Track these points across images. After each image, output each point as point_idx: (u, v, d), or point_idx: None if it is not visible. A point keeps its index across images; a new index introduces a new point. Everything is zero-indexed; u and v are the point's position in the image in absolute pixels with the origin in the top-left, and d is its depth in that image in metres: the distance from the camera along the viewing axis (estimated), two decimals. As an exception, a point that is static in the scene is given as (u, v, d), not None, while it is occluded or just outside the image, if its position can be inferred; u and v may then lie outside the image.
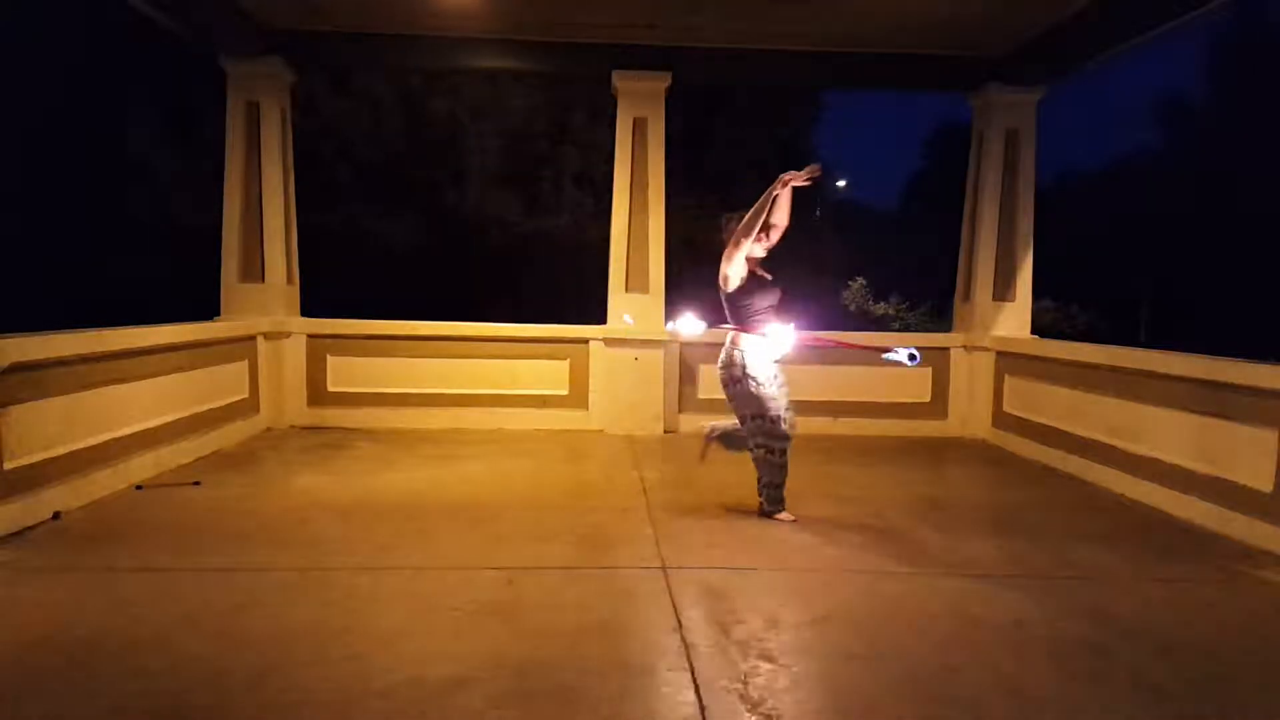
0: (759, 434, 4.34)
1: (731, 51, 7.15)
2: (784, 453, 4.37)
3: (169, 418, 5.51)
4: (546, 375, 7.30)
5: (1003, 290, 7.54)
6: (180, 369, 5.68)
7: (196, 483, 5.09)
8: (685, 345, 7.31)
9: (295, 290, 7.43)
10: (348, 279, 12.89)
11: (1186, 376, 4.92)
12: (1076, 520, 4.86)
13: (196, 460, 5.69)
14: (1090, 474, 5.73)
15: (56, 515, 4.26)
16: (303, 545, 3.97)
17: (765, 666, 2.79)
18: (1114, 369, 5.64)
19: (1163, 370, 5.14)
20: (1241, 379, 4.50)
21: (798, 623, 3.18)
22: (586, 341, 7.30)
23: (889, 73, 7.48)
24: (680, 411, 7.32)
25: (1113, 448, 5.55)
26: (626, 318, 6.77)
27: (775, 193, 4.16)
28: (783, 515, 4.47)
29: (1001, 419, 7.09)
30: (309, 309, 7.53)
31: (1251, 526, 4.33)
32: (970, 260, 7.65)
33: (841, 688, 2.68)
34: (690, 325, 4.70)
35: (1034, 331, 7.67)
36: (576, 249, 15.01)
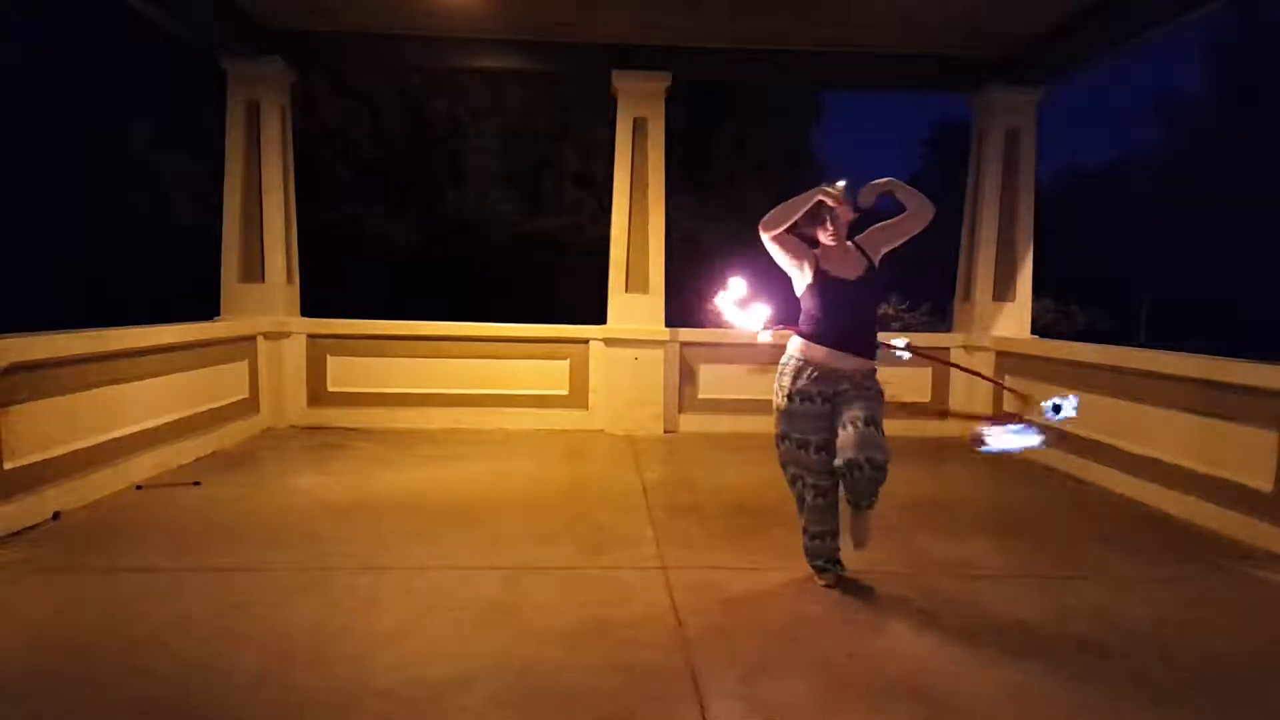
0: (879, 446, 3.34)
1: (731, 51, 7.15)
2: None
3: (169, 418, 5.51)
4: (546, 375, 7.30)
5: (1003, 290, 7.54)
6: (180, 369, 5.67)
7: (196, 483, 5.09)
8: (685, 345, 7.32)
9: (295, 290, 7.43)
10: (348, 279, 12.90)
11: (1186, 376, 4.92)
12: (1076, 520, 4.86)
13: (196, 460, 5.69)
14: (1090, 474, 5.73)
15: (56, 515, 4.26)
16: (302, 545, 3.97)
17: (766, 666, 2.79)
18: (1114, 369, 5.64)
19: (1163, 370, 5.14)
20: (1241, 379, 4.50)
21: (797, 622, 3.18)
22: (586, 341, 7.29)
23: (889, 73, 7.48)
24: (680, 411, 7.32)
25: (1113, 448, 5.55)
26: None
27: (815, 199, 3.38)
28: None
29: (1001, 419, 7.07)
30: (309, 309, 7.53)
31: (1251, 526, 4.33)
32: (970, 260, 7.65)
33: (841, 687, 2.68)
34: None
35: (1034, 331, 7.67)
36: (576, 249, 15.02)
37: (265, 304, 7.13)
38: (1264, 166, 19.93)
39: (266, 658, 2.77)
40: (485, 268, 15.35)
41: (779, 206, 3.40)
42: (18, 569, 3.58)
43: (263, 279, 7.16)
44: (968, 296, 7.69)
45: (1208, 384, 4.75)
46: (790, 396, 3.43)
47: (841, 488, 3.38)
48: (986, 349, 7.33)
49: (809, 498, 3.51)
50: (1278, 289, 18.64)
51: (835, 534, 3.56)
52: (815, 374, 3.39)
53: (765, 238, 3.44)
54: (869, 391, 3.41)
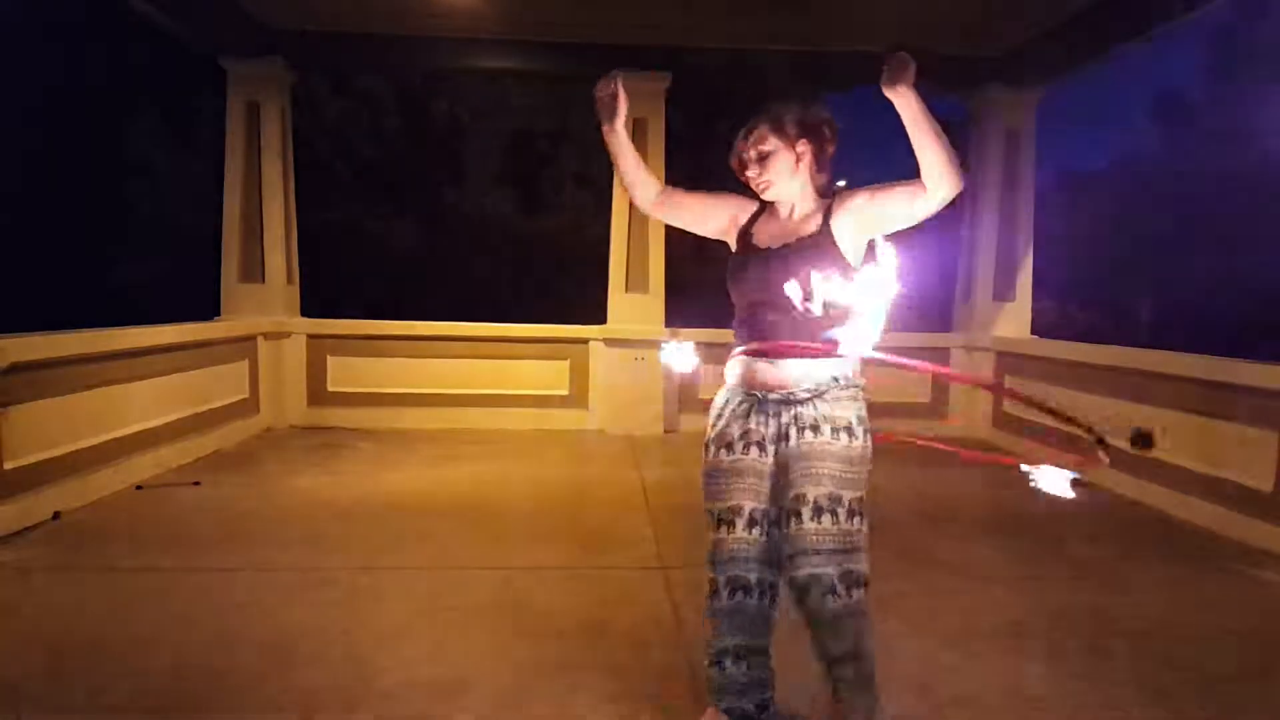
0: (850, 551, 2.06)
1: (731, 51, 7.16)
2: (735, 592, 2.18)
3: (169, 418, 5.51)
4: (546, 375, 7.30)
5: (1003, 290, 7.54)
6: (180, 369, 5.67)
7: (196, 483, 5.08)
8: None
9: (295, 290, 7.43)
10: (348, 279, 12.89)
11: (1186, 376, 4.92)
12: (1076, 520, 4.86)
13: (196, 460, 5.69)
14: (1090, 474, 5.71)
15: (56, 515, 4.25)
16: (303, 545, 3.97)
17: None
18: (1114, 369, 5.64)
19: (1163, 370, 5.14)
20: (1242, 379, 4.50)
21: (797, 623, 3.17)
22: (586, 341, 7.30)
23: (889, 73, 7.47)
24: (680, 411, 7.32)
25: (1113, 448, 5.54)
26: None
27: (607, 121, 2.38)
28: None
29: (1001, 419, 7.08)
30: (309, 309, 7.53)
31: (1251, 526, 4.33)
32: (970, 260, 7.65)
33: (841, 688, 2.68)
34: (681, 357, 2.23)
35: (1034, 331, 7.67)
36: (576, 249, 15.01)
37: (265, 304, 7.12)
38: (1263, 166, 19.94)
39: (266, 658, 2.77)
40: (485, 268, 15.35)
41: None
42: (18, 569, 3.58)
43: (263, 279, 7.16)
44: (968, 296, 7.69)
45: (1208, 384, 4.75)
46: (706, 445, 2.23)
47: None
48: (986, 349, 7.33)
49: (709, 594, 2.21)
50: (1278, 289, 18.65)
51: (756, 655, 2.22)
52: (737, 402, 2.19)
53: (654, 213, 2.55)
54: (829, 426, 2.06)
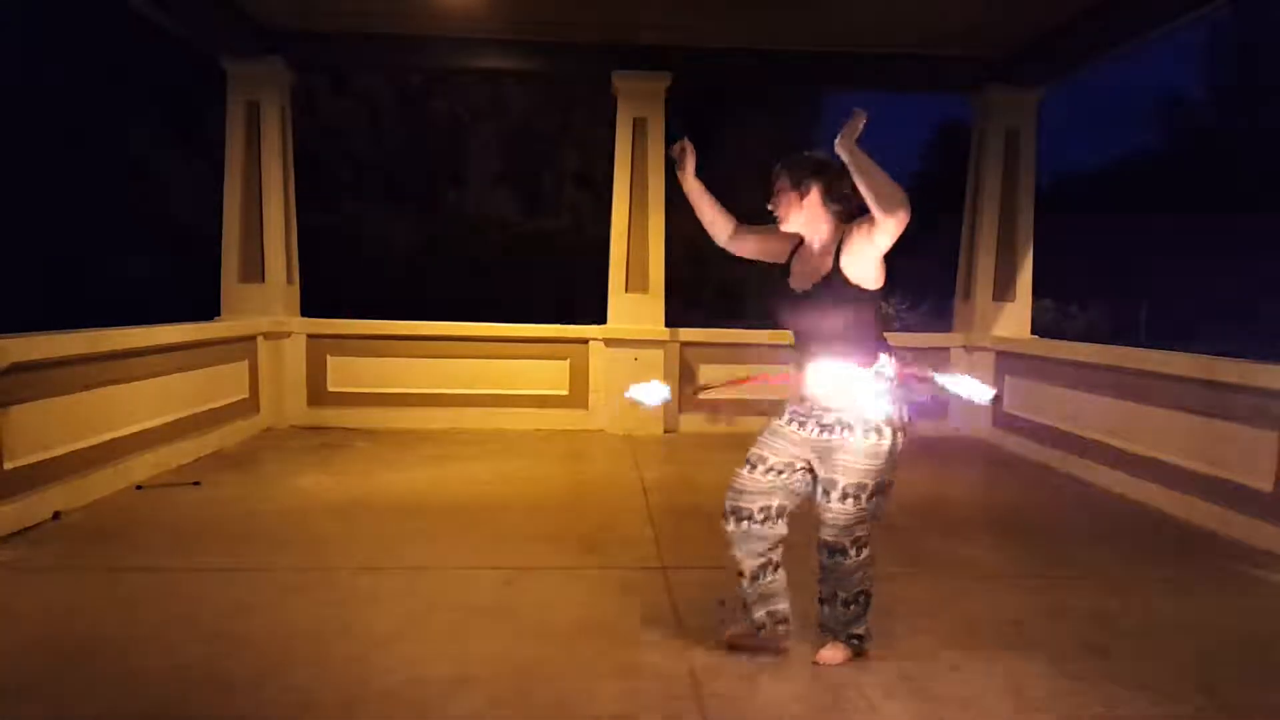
0: (862, 522, 2.72)
1: (731, 51, 7.15)
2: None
3: (169, 418, 5.50)
4: (546, 375, 7.30)
5: (1003, 290, 7.54)
6: (180, 369, 5.67)
7: (196, 483, 5.08)
8: (685, 345, 7.33)
9: (295, 290, 7.43)
10: (348, 279, 12.89)
11: (1186, 376, 4.92)
12: (1076, 520, 4.86)
13: (196, 460, 5.69)
14: (1090, 474, 5.73)
15: (56, 515, 4.26)
16: (303, 545, 3.97)
17: (766, 667, 2.79)
18: (1114, 369, 5.64)
19: (1163, 370, 5.15)
20: (1241, 379, 4.50)
21: (798, 623, 3.17)
22: (586, 341, 7.30)
23: (889, 73, 7.47)
24: (680, 411, 7.32)
25: (1113, 448, 5.55)
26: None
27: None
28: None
29: (1001, 419, 7.09)
30: (309, 309, 7.53)
31: (1251, 526, 4.33)
32: (970, 260, 7.65)
33: (840, 687, 2.68)
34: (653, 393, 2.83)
35: (1034, 331, 7.67)
36: (576, 249, 15.02)
37: (265, 304, 7.12)
38: (1263, 166, 19.94)
39: (266, 658, 2.77)
40: (485, 268, 15.35)
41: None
42: (18, 569, 3.58)
43: (263, 279, 7.16)
44: (968, 296, 7.69)
45: (1208, 384, 4.75)
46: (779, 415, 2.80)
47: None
48: (986, 349, 7.34)
49: (723, 519, 2.76)
50: (1277, 289, 18.65)
51: (769, 570, 2.79)
52: (803, 403, 2.73)
53: (729, 250, 2.97)
54: (842, 429, 2.61)
